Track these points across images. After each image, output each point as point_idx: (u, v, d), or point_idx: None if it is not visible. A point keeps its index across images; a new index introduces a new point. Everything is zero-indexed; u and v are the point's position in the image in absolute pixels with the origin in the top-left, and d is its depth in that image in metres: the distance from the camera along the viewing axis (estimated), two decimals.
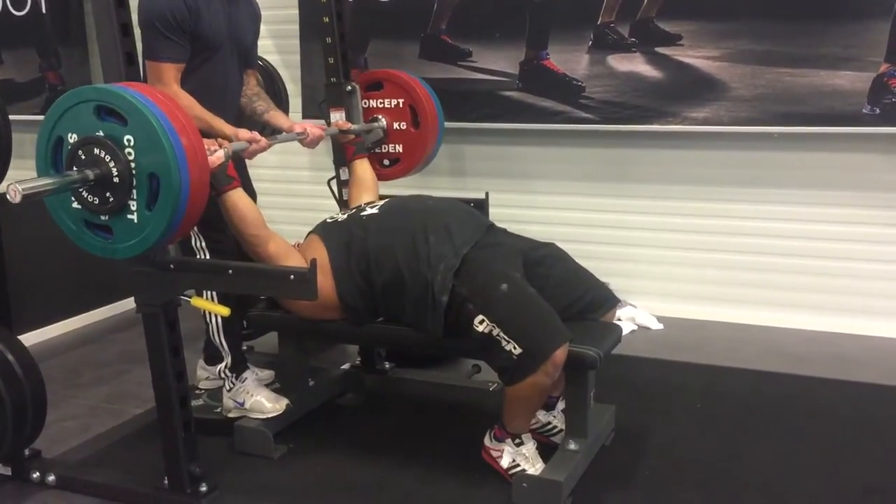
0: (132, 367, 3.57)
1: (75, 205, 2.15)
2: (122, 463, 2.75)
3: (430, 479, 2.60)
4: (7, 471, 2.65)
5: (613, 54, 4.00)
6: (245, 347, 3.10)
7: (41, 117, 2.13)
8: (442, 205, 2.80)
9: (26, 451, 2.65)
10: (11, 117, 2.61)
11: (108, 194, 2.08)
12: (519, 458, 2.51)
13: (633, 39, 3.95)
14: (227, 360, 2.90)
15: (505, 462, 2.53)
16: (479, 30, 4.21)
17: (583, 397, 2.53)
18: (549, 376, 2.36)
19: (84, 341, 4.02)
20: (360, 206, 2.88)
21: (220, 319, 2.86)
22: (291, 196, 4.57)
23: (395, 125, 3.40)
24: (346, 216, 2.81)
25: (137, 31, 2.28)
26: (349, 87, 3.33)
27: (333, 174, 3.40)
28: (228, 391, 2.91)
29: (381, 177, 3.38)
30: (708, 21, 3.83)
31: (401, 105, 3.38)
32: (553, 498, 2.36)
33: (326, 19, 3.27)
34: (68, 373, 3.60)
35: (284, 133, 3.01)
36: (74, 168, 2.08)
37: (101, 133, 2.05)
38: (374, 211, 2.75)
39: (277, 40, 4.51)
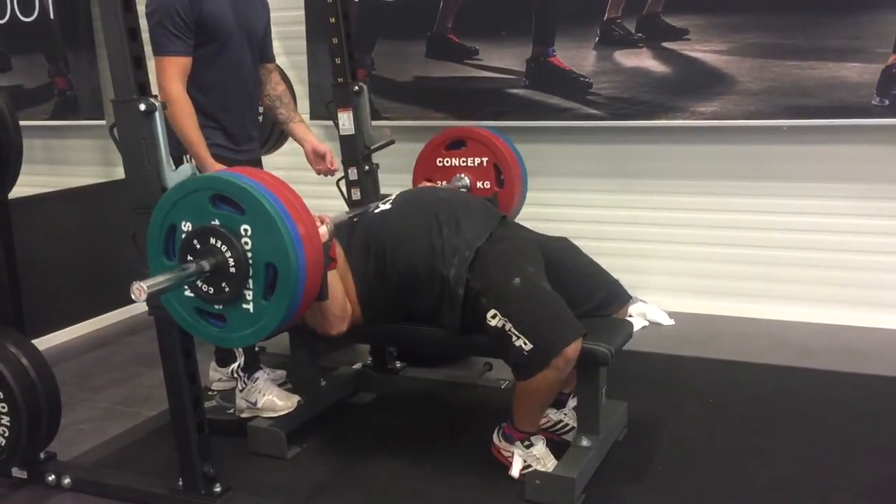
0: (145, 370, 3.59)
1: (188, 293, 2.07)
2: (136, 465, 2.77)
3: (443, 477, 2.60)
4: (23, 474, 2.67)
5: (620, 50, 3.99)
6: (257, 348, 3.11)
7: (51, 122, 2.11)
8: (454, 196, 2.78)
9: (42, 454, 2.67)
10: (21, 123, 2.63)
11: (223, 284, 2.01)
12: (530, 459, 2.51)
13: (640, 35, 3.95)
14: (240, 360, 2.91)
15: (516, 468, 2.50)
16: (486, 28, 4.21)
17: (595, 394, 2.52)
18: (561, 371, 2.36)
19: (97, 344, 4.05)
20: (375, 203, 2.86)
21: None
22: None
23: (479, 184, 3.36)
24: (359, 216, 2.78)
25: (146, 36, 2.28)
26: (356, 87, 3.33)
27: (343, 175, 3.40)
28: (241, 391, 2.93)
29: None
30: (714, 15, 3.82)
31: (485, 164, 3.34)
32: (566, 494, 2.36)
33: (333, 20, 3.28)
34: (82, 376, 3.62)
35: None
36: (189, 257, 2.01)
37: (216, 222, 1.99)
38: (387, 207, 2.73)
39: (284, 41, 4.52)
